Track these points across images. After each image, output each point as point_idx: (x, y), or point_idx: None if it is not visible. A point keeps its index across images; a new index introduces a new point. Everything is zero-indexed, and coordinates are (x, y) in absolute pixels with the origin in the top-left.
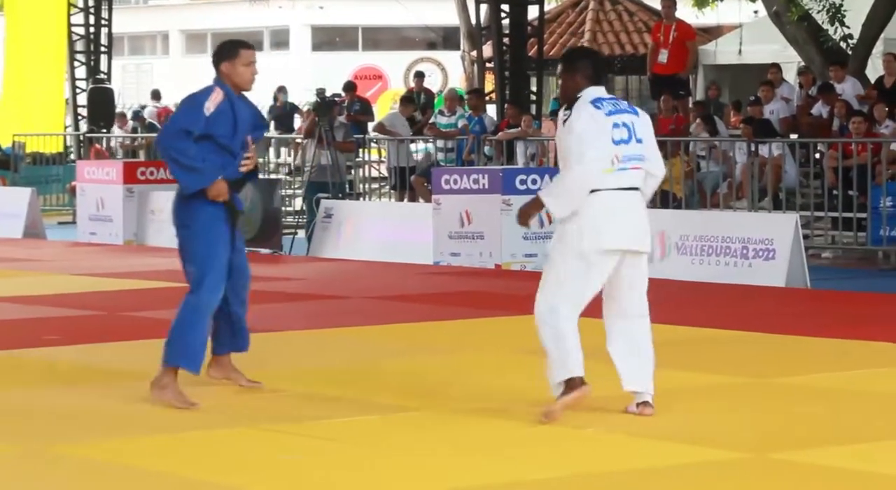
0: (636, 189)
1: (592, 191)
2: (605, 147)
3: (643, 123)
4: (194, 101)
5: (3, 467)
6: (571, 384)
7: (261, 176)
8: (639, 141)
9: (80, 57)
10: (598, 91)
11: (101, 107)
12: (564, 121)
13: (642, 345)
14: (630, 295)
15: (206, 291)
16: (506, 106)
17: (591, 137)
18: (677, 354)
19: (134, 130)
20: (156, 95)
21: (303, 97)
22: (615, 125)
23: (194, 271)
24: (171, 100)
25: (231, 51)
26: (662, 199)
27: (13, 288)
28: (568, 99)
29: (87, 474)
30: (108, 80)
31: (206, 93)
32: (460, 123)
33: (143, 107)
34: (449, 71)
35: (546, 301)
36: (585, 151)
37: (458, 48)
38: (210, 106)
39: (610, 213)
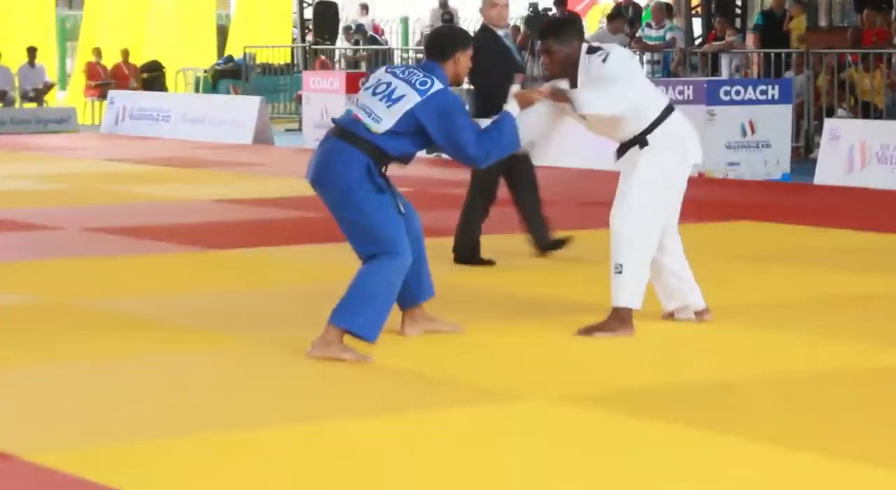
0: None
1: (665, 112)
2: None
3: None
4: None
5: (247, 353)
6: (630, 317)
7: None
8: None
9: None
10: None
11: (326, 20)
12: (603, 59)
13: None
14: (678, 210)
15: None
16: (712, 18)
17: (638, 65)
18: (873, 261)
19: (356, 43)
20: (364, 8)
21: (517, 12)
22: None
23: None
24: (386, 14)
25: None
26: (864, 109)
27: (244, 191)
28: (570, 66)
29: (311, 367)
30: None
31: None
32: (668, 36)
33: (360, 25)
34: None
35: (641, 221)
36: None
37: None
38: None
39: (690, 130)
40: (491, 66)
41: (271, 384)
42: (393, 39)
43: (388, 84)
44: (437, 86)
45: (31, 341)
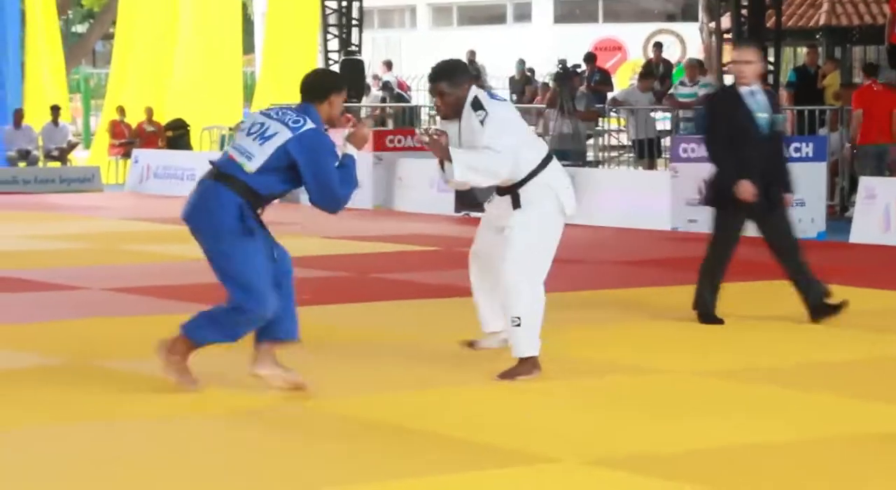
0: None
1: (541, 164)
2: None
3: None
4: None
5: (262, 419)
6: (536, 361)
7: None
8: None
9: (333, 30)
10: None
11: (352, 77)
12: (481, 121)
13: None
14: None
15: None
16: None
17: (515, 125)
18: None
19: (382, 100)
20: (388, 65)
21: (544, 68)
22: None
23: None
24: (419, 71)
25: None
26: None
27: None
28: (459, 108)
29: (342, 429)
30: (359, 52)
31: None
32: (701, 92)
33: (386, 82)
34: (687, 42)
35: (527, 272)
36: (512, 138)
37: (696, 20)
38: None
39: (565, 180)
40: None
41: (297, 448)
42: (420, 97)
43: (262, 124)
44: (310, 125)
45: (51, 402)
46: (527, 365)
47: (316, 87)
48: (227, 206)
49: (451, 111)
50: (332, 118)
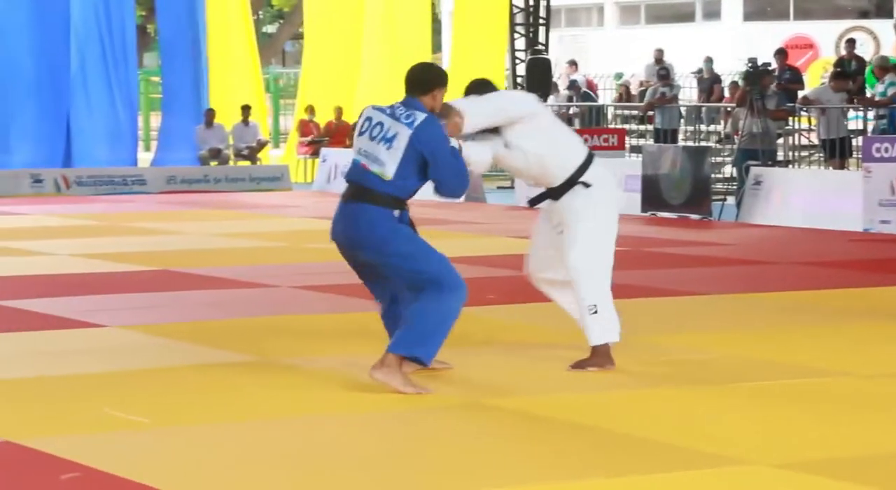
0: None
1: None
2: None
3: None
4: None
5: (444, 415)
6: (609, 354)
7: (691, 143)
8: None
9: (520, 29)
10: None
11: (539, 76)
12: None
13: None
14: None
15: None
16: None
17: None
18: None
19: (569, 99)
20: (573, 64)
21: (733, 67)
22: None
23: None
24: (606, 70)
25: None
26: None
27: (455, 249)
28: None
29: (518, 425)
30: (546, 51)
31: None
32: (890, 91)
33: (573, 81)
34: (881, 39)
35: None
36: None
37: (890, 16)
38: None
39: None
40: None
41: (470, 444)
42: (607, 96)
43: (381, 124)
44: (421, 116)
45: (240, 399)
46: (600, 356)
47: (421, 80)
48: (380, 220)
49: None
50: (434, 112)
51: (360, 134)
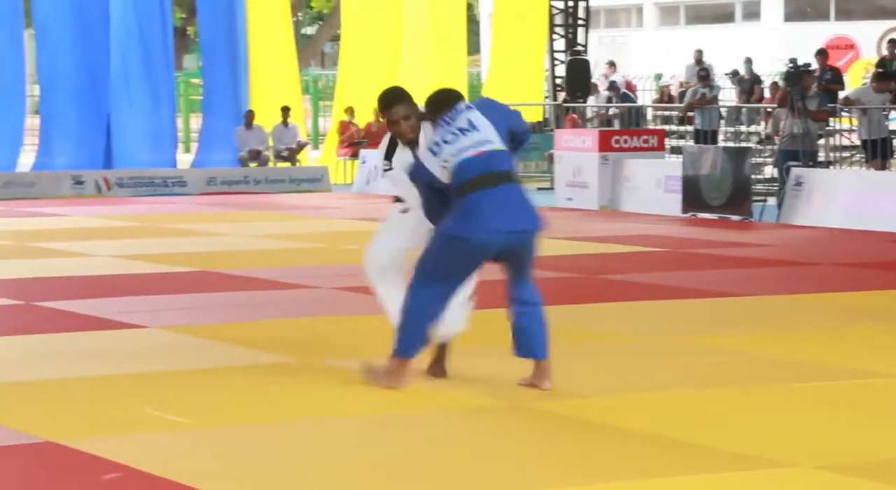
0: None
1: None
2: None
3: None
4: None
5: (492, 420)
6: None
7: (731, 144)
8: None
9: (559, 30)
10: None
11: (579, 77)
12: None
13: None
14: None
15: None
16: None
17: None
18: None
19: (608, 100)
20: (612, 65)
21: (773, 67)
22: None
23: None
24: (645, 71)
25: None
26: None
27: None
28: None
29: (555, 427)
30: (585, 51)
31: None
32: None
33: (612, 82)
34: None
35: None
36: None
37: None
38: None
39: None
40: None
41: (509, 446)
42: (646, 97)
43: (469, 120)
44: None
45: (285, 401)
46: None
47: (443, 101)
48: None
49: (415, 134)
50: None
51: (455, 138)
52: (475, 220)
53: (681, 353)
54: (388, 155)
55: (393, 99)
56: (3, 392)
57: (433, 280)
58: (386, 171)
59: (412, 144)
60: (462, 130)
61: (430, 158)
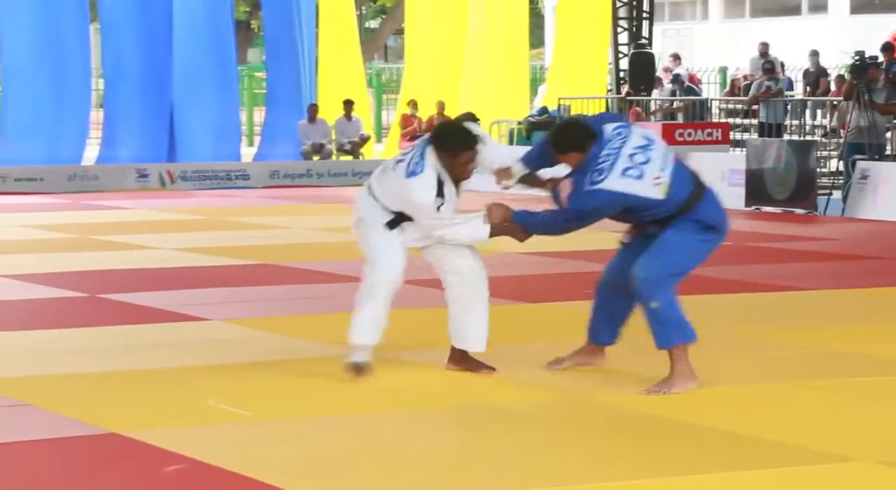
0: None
1: None
2: None
3: None
4: None
5: (546, 412)
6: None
7: (797, 138)
8: None
9: (623, 23)
10: None
11: (642, 70)
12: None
13: None
14: None
15: None
16: None
17: None
18: None
19: (672, 93)
20: (676, 58)
21: (839, 60)
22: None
23: None
24: (710, 64)
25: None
26: None
27: (548, 244)
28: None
29: (617, 422)
30: (650, 44)
31: None
32: None
33: (676, 75)
34: None
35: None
36: None
37: None
38: None
39: None
40: None
41: (569, 439)
42: (710, 90)
43: (634, 135)
44: None
45: (347, 393)
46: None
47: (584, 134)
48: None
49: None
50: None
51: (644, 163)
52: (723, 213)
53: (745, 347)
54: (440, 192)
55: (474, 141)
56: (69, 384)
57: (679, 277)
58: (440, 208)
59: (459, 183)
60: (643, 147)
61: (637, 184)
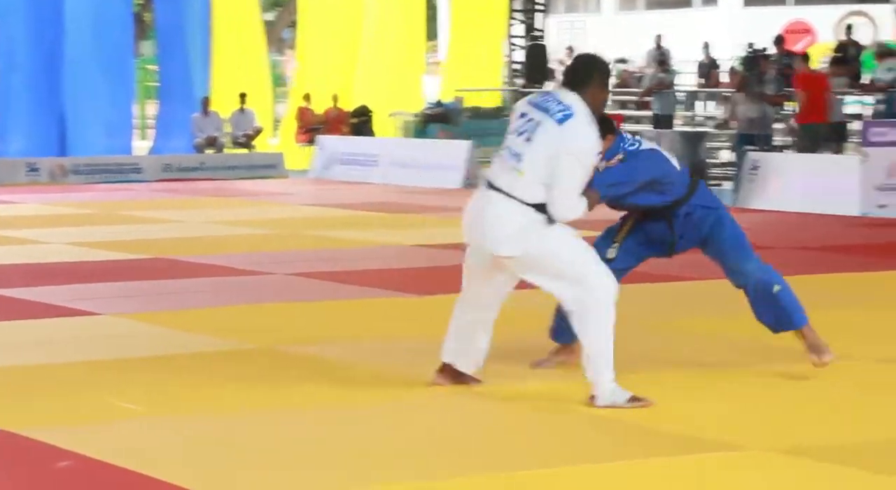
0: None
1: None
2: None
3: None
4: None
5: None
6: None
7: (688, 129)
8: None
9: (518, 15)
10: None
11: (537, 63)
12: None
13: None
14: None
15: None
16: None
17: None
18: None
19: None
20: (570, 50)
21: (732, 53)
22: (521, 114)
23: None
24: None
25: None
26: None
27: (453, 236)
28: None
29: (523, 414)
30: (543, 37)
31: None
32: (888, 77)
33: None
34: (878, 24)
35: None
36: None
37: (889, 1)
38: None
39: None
40: None
41: (473, 432)
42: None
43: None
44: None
45: (242, 389)
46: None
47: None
48: None
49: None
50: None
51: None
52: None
53: (644, 336)
54: None
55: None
56: None
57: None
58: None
59: None
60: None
61: (673, 159)
